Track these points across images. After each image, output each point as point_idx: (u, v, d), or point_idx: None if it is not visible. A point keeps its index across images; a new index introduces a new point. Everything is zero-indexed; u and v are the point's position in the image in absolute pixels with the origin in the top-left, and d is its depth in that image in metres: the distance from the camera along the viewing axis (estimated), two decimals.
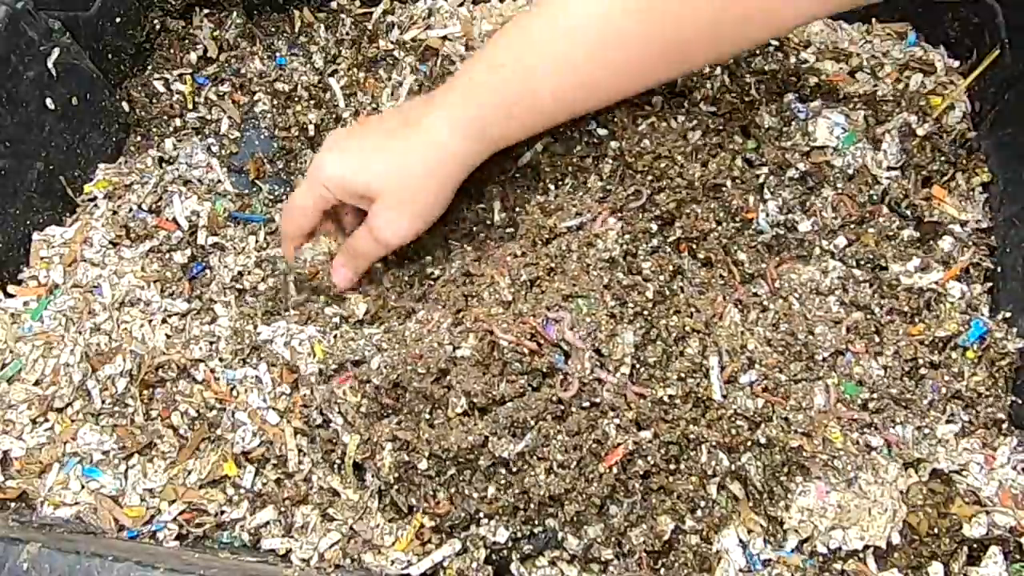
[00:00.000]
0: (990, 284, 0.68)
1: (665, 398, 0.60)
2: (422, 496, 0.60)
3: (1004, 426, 0.62)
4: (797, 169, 0.72)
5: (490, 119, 0.66)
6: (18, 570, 0.50)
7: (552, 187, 0.75)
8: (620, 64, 0.65)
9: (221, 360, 0.69)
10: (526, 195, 0.75)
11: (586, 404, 0.59)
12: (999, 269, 0.68)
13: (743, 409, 0.60)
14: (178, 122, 0.91)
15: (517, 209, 0.75)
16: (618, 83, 0.67)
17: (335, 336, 0.70)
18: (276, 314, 0.74)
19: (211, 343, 0.70)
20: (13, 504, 0.63)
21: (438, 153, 0.67)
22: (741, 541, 0.59)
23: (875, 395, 0.61)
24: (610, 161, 0.73)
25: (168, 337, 0.70)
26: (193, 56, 0.95)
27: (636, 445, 0.58)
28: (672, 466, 0.59)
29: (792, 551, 0.58)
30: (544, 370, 0.59)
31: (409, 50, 0.89)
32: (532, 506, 0.58)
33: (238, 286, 0.76)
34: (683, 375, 0.61)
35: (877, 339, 0.64)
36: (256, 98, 0.92)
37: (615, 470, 0.58)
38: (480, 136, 0.67)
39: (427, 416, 0.60)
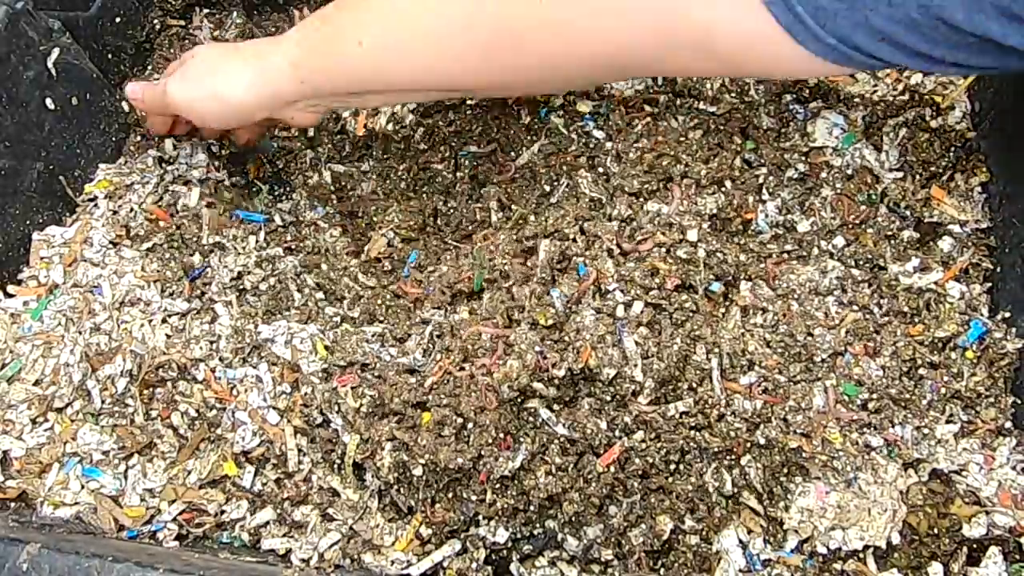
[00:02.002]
0: (989, 284, 0.67)
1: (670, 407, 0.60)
2: (420, 500, 0.60)
3: (1003, 426, 0.62)
4: (796, 169, 0.72)
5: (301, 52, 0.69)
6: (18, 570, 0.50)
7: (548, 187, 0.75)
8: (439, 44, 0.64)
9: (222, 360, 0.69)
10: (524, 195, 0.75)
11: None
12: (998, 269, 0.68)
13: (742, 410, 0.60)
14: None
15: (514, 208, 0.75)
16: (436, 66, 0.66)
17: (335, 334, 0.70)
18: (277, 313, 0.74)
19: (211, 342, 0.70)
20: (13, 504, 0.62)
21: (246, 58, 0.72)
22: (741, 541, 0.59)
23: (874, 395, 0.61)
24: (609, 161, 0.73)
25: (168, 337, 0.70)
26: None
27: (632, 445, 0.58)
28: (671, 466, 0.59)
29: (792, 551, 0.58)
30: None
31: None
32: (532, 507, 0.58)
33: (239, 286, 0.76)
34: (687, 378, 0.61)
35: (876, 339, 0.64)
36: None
37: (613, 469, 0.58)
38: (288, 71, 0.70)
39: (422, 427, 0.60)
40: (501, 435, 0.58)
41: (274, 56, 0.70)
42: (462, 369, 0.60)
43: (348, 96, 0.72)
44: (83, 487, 0.63)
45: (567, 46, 0.61)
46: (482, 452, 0.58)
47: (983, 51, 0.48)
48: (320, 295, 0.77)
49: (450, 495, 0.59)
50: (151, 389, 0.67)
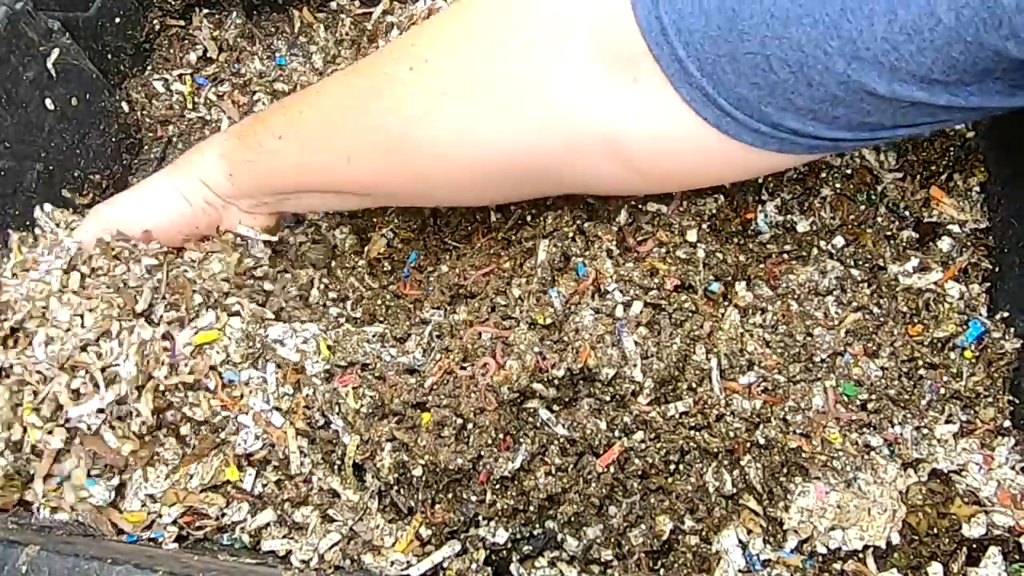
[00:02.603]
0: (988, 284, 0.68)
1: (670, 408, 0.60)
2: (420, 501, 0.60)
3: (1002, 426, 0.62)
4: (795, 169, 0.72)
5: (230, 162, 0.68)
6: (17, 573, 0.50)
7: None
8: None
9: (235, 364, 0.68)
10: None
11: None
12: (997, 269, 0.68)
13: (741, 410, 0.60)
14: (178, 122, 0.91)
15: (513, 208, 0.75)
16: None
17: (337, 334, 0.70)
18: (282, 312, 0.73)
19: (224, 346, 0.69)
20: (12, 507, 0.62)
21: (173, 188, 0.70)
22: (740, 541, 0.59)
23: (874, 396, 0.61)
24: None
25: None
26: (193, 56, 0.95)
27: (631, 445, 0.58)
28: (671, 466, 0.59)
29: (792, 551, 0.58)
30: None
31: None
32: (531, 507, 0.58)
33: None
34: (686, 378, 0.61)
35: (875, 339, 0.64)
36: (256, 98, 0.92)
37: (612, 469, 0.58)
38: (223, 172, 0.69)
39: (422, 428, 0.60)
40: (501, 436, 0.58)
41: (206, 150, 0.70)
42: (463, 368, 0.60)
43: (279, 195, 0.70)
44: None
45: (455, 152, 0.57)
46: (482, 453, 0.58)
47: (920, 113, 0.46)
48: (333, 295, 0.77)
49: (450, 496, 0.59)
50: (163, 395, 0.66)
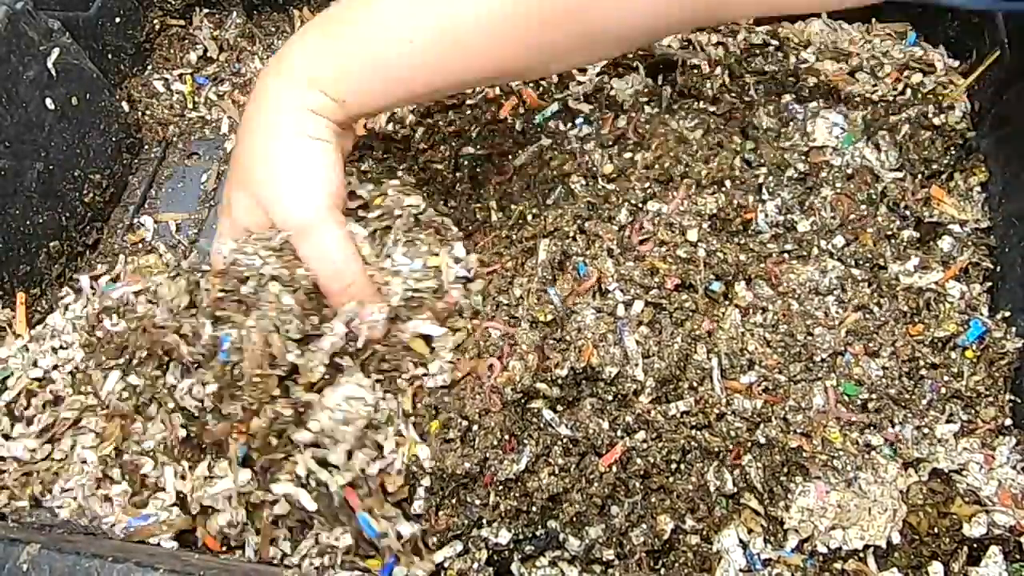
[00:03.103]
0: (989, 284, 0.68)
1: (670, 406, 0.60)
2: (425, 509, 0.60)
3: (1003, 425, 0.62)
4: (796, 169, 0.72)
5: (334, 71, 0.60)
6: (18, 571, 0.50)
7: (547, 188, 0.75)
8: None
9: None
10: (524, 195, 0.75)
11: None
12: (998, 269, 0.68)
13: (742, 410, 0.60)
14: (178, 122, 0.91)
15: (513, 208, 0.75)
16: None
17: None
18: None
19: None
20: (8, 505, 0.62)
21: (279, 111, 0.60)
22: (741, 541, 0.59)
23: (874, 395, 0.61)
24: (608, 161, 0.73)
25: None
26: (193, 56, 0.95)
27: (633, 445, 0.58)
28: (672, 466, 0.59)
29: (792, 551, 0.58)
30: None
31: None
32: (534, 508, 0.58)
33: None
34: (687, 378, 0.61)
35: (876, 339, 0.64)
36: None
37: (615, 469, 0.58)
38: (328, 88, 0.60)
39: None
40: (506, 437, 0.58)
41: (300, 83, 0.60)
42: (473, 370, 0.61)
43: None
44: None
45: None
46: (487, 455, 0.58)
47: None
48: None
49: (454, 501, 0.59)
50: None
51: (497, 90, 0.82)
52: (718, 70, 0.78)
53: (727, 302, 0.66)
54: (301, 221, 0.59)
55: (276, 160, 0.60)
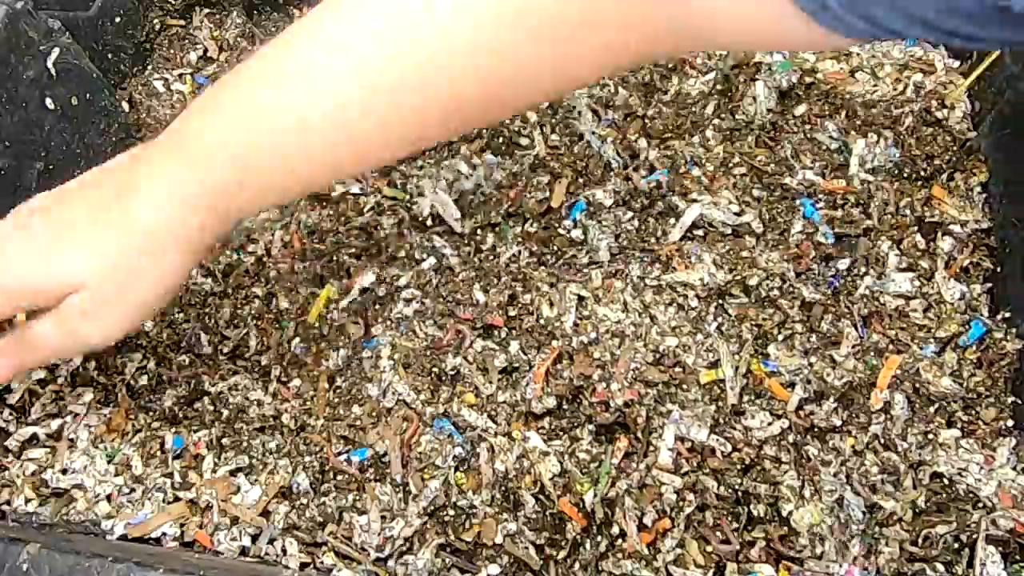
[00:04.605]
0: (989, 284, 0.67)
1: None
2: None
3: (1003, 426, 0.62)
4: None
5: (224, 186, 0.50)
6: (18, 571, 0.50)
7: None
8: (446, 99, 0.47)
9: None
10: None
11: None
12: (999, 269, 0.68)
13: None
14: None
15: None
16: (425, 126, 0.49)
17: None
18: None
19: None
20: (8, 504, 0.63)
21: (158, 235, 0.51)
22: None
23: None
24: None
25: None
26: (193, 56, 0.95)
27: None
28: None
29: None
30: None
31: None
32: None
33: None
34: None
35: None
36: None
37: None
38: (214, 209, 0.51)
39: None
40: None
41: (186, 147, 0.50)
42: None
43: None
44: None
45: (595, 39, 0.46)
46: None
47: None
48: None
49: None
50: None
51: None
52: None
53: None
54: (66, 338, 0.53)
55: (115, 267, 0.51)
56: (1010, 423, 0.62)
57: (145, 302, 0.53)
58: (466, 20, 0.45)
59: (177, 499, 0.61)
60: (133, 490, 0.62)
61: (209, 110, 0.51)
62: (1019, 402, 0.62)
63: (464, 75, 0.46)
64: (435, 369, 0.64)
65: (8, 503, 0.62)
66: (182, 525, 0.59)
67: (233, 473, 0.61)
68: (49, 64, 0.79)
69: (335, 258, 0.72)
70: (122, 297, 0.52)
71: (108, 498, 0.61)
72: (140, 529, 0.59)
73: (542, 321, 0.65)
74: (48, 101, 0.79)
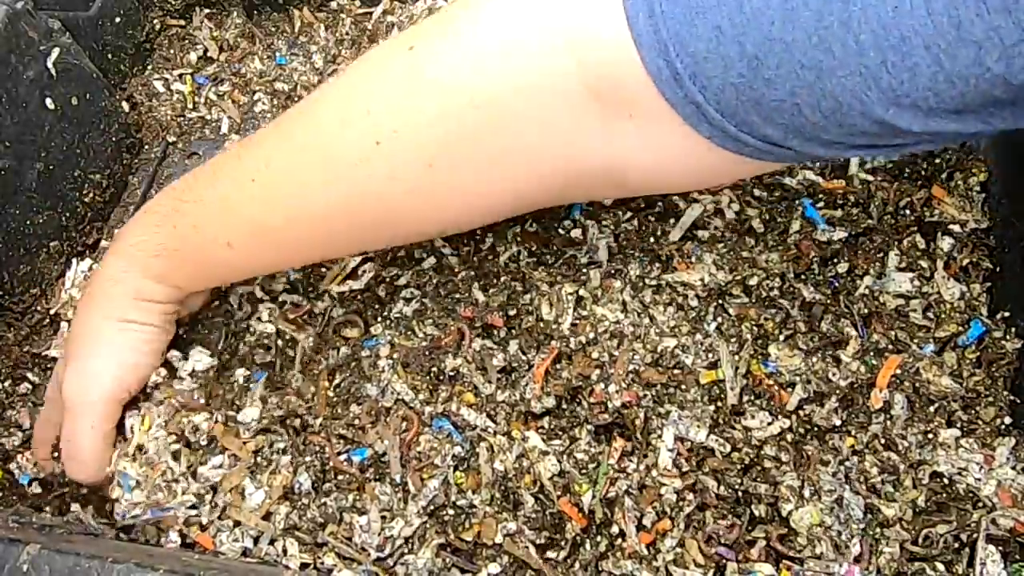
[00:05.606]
0: (989, 284, 0.67)
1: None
2: None
3: (1003, 426, 0.62)
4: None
5: (165, 263, 0.61)
6: (18, 571, 0.50)
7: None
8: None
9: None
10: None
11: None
12: (998, 269, 0.68)
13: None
14: (178, 122, 0.91)
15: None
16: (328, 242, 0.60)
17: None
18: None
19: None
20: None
21: (107, 292, 0.63)
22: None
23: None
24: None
25: None
26: (193, 56, 0.95)
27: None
28: None
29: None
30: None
31: None
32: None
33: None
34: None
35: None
36: (256, 98, 0.92)
37: None
38: (161, 278, 0.62)
39: None
40: None
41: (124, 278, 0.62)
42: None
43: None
44: None
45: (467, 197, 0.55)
46: None
47: (941, 138, 0.45)
48: None
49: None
50: None
51: None
52: None
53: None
54: (69, 403, 0.62)
55: (83, 340, 0.62)
56: (1009, 422, 0.62)
57: (107, 355, 0.62)
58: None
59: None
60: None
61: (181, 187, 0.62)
62: (1018, 401, 0.62)
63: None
64: (434, 369, 0.64)
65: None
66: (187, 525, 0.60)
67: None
68: (49, 64, 0.79)
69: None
70: (85, 355, 0.63)
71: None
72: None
73: (541, 321, 0.65)
74: (48, 101, 0.79)
